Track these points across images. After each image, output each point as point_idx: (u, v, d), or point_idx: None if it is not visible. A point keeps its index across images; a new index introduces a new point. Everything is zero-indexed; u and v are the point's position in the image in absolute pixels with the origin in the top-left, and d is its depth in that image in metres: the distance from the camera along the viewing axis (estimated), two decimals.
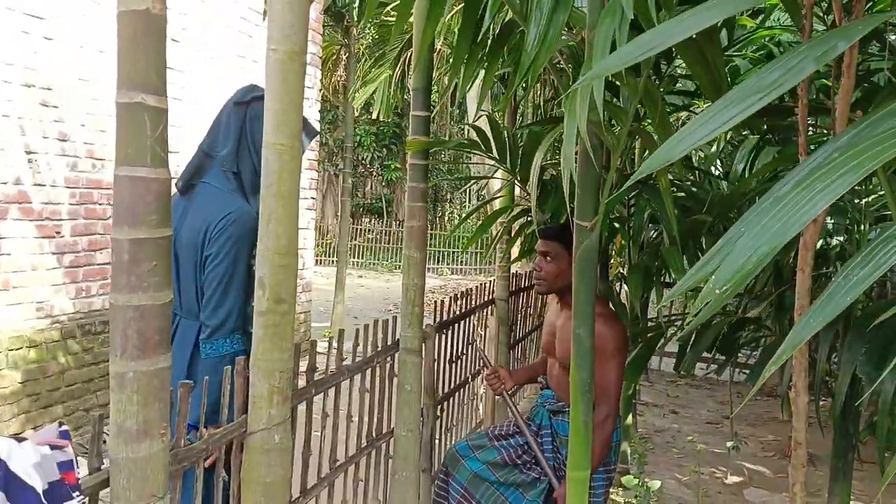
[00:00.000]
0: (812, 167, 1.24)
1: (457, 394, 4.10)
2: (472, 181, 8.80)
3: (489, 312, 4.74)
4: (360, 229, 19.45)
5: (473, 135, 3.46)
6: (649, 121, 2.83)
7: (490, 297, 4.67)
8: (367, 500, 3.05)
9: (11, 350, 4.20)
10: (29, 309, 4.36)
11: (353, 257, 19.07)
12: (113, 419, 1.56)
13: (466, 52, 2.52)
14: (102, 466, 1.59)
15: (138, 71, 1.50)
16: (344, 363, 2.70)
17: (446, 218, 20.18)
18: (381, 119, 8.16)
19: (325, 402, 2.59)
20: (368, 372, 2.96)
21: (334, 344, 2.72)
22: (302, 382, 2.34)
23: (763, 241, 1.17)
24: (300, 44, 1.92)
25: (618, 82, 2.70)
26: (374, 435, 3.05)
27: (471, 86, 4.35)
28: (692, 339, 3.36)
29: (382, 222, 19.70)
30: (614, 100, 2.94)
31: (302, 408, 2.44)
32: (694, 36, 2.29)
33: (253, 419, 1.99)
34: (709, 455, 5.17)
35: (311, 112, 7.19)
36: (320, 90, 7.63)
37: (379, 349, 3.02)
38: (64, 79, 4.54)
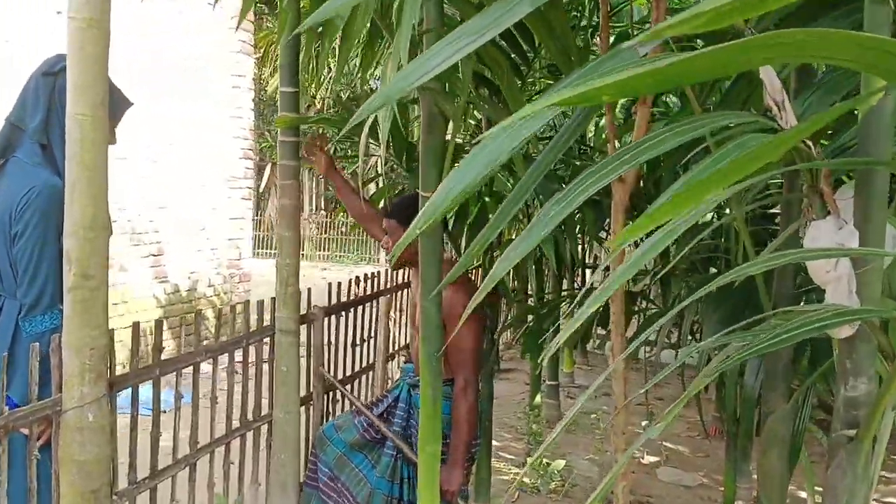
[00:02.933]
0: (519, 115, 1.22)
1: (362, 377, 4.06)
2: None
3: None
4: (332, 222, 19.33)
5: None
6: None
7: (408, 280, 4.64)
8: (242, 482, 3.01)
9: None
10: None
11: (320, 250, 19.03)
12: None
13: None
14: None
15: None
16: (203, 344, 2.66)
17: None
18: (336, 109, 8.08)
19: (177, 381, 2.55)
20: (239, 353, 2.92)
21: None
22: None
23: (457, 183, 1.16)
24: (99, 10, 1.86)
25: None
26: (249, 417, 3.01)
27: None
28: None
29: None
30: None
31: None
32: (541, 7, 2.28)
33: (66, 397, 1.94)
34: (631, 436, 5.16)
35: (244, 100, 7.12)
36: (255, 79, 7.54)
37: (251, 330, 2.98)
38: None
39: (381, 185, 4.07)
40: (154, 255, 6.22)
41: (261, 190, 18.76)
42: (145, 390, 2.87)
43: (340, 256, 18.76)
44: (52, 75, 2.21)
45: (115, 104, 2.26)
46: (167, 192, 6.33)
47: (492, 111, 3.04)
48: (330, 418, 3.53)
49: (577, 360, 7.03)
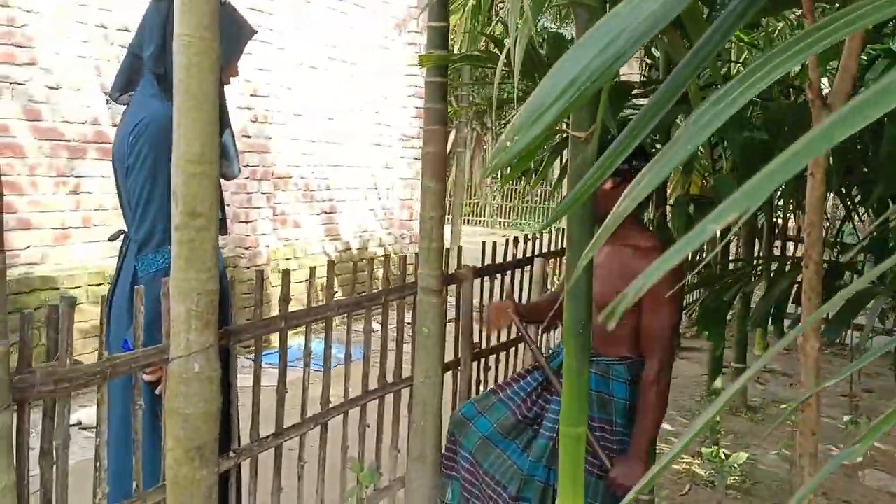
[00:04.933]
0: None
1: (513, 349, 3.75)
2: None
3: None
4: (516, 190, 19.19)
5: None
6: None
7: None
8: (380, 447, 2.84)
9: (91, 285, 4.37)
10: (107, 246, 4.50)
11: (501, 217, 19.05)
12: None
13: None
14: None
15: None
16: (335, 297, 2.48)
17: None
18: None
19: (307, 336, 2.39)
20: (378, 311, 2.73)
21: None
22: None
23: (564, 75, 0.79)
24: None
25: None
26: (388, 379, 2.82)
27: None
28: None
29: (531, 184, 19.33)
30: None
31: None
32: None
33: (173, 345, 1.81)
34: (831, 430, 4.49)
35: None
36: None
37: (391, 287, 2.77)
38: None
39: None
40: (326, 213, 6.27)
41: (448, 153, 18.90)
42: (317, 344, 2.76)
43: (521, 224, 18.53)
44: (163, 1, 2.07)
45: (236, 32, 2.10)
46: (341, 151, 6.34)
47: (670, 45, 2.59)
48: (481, 388, 3.27)
49: (773, 342, 6.30)
